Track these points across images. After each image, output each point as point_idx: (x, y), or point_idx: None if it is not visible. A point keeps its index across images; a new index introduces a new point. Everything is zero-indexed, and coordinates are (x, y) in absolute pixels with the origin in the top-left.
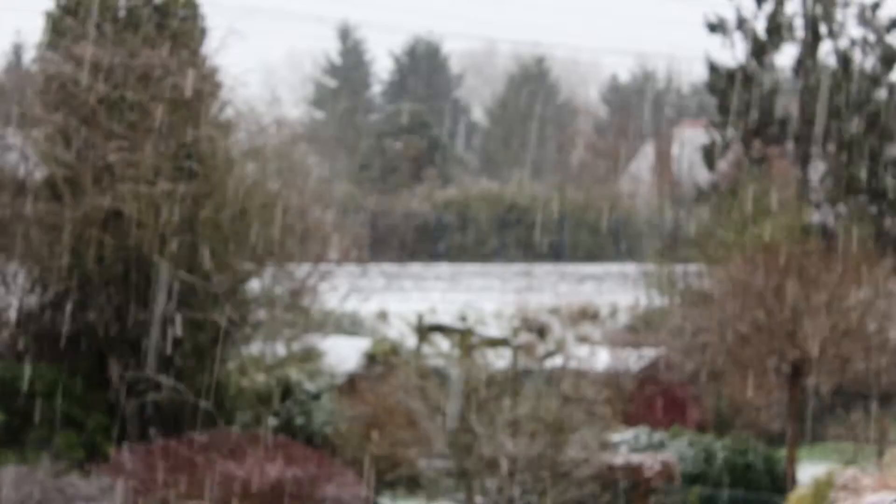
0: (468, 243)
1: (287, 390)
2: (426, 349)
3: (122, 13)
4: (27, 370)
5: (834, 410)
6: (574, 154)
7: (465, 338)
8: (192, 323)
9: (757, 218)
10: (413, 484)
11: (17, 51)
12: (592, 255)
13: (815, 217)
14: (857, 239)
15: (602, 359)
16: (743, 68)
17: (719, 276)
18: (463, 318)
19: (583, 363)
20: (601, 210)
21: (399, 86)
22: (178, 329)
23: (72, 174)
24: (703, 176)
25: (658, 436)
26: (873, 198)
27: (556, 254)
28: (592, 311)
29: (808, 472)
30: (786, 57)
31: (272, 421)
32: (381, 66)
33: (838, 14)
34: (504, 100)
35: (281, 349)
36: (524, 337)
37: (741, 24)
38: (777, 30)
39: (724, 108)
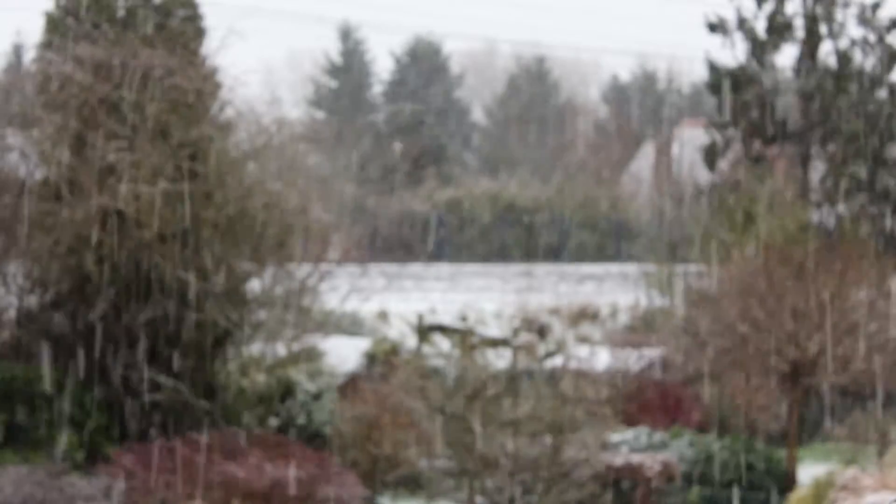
0: (468, 243)
1: (287, 390)
2: (426, 349)
3: (121, 13)
4: (28, 370)
5: (834, 410)
6: (574, 154)
7: (465, 338)
8: (192, 323)
9: (757, 218)
10: (413, 484)
11: (17, 51)
12: (592, 255)
13: (815, 217)
14: (857, 239)
15: (602, 359)
16: (743, 68)
17: (719, 276)
18: (463, 319)
19: (583, 363)
20: (601, 210)
21: (399, 86)
22: (178, 329)
23: (72, 174)
24: (703, 176)
25: (658, 436)
26: (873, 198)
27: (556, 254)
28: (593, 311)
29: (809, 472)
30: (786, 57)
31: (273, 421)
32: (382, 66)
33: (838, 14)
34: (504, 100)
35: (281, 349)
36: (524, 337)
37: (741, 24)
38: (777, 30)
39: (724, 108)
